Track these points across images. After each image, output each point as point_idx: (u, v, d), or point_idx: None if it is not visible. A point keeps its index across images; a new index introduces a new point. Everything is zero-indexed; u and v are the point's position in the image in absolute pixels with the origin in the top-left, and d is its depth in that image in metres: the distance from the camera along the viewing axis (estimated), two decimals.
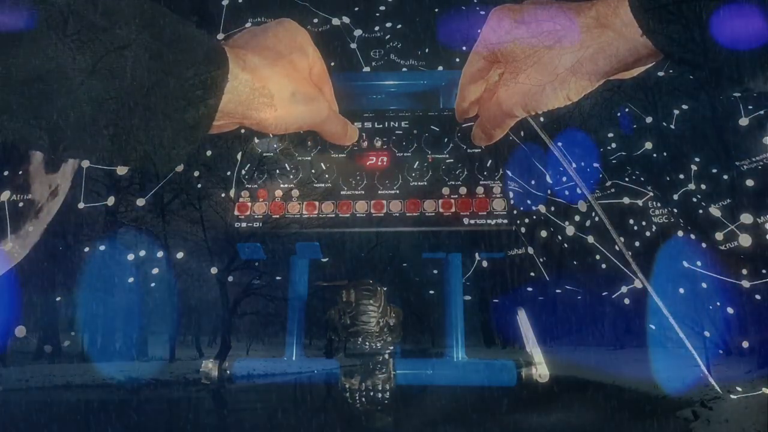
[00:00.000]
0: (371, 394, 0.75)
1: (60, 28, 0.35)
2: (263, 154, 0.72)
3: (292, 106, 0.51)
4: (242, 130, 0.75)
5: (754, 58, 0.40)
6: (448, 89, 0.87)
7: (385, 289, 0.79)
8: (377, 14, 1.23)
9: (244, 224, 0.69)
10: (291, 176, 0.70)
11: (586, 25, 0.46)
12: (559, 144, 0.61)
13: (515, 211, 0.68)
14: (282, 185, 0.70)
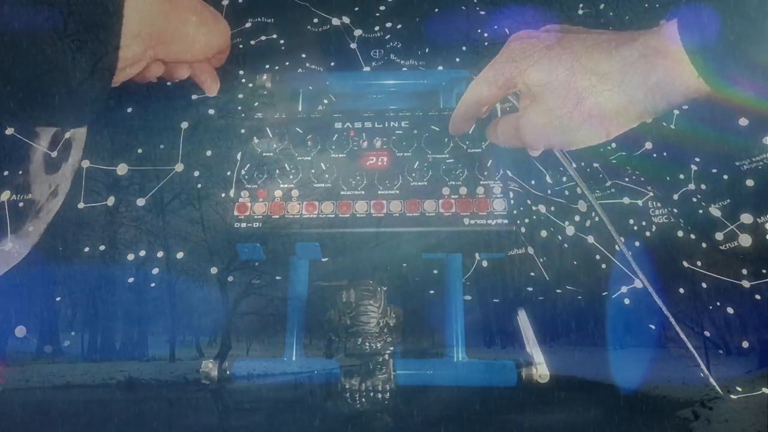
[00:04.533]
0: (371, 394, 0.75)
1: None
2: (263, 154, 0.72)
3: (208, 22, 0.51)
4: (242, 130, 0.75)
5: None
6: (448, 89, 0.87)
7: (385, 289, 0.79)
8: (377, 14, 1.23)
9: (243, 224, 0.69)
10: (291, 176, 0.70)
11: (630, 60, 0.41)
12: None
13: (515, 211, 0.68)
14: (282, 185, 0.70)
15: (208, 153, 0.88)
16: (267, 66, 1.00)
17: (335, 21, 1.14)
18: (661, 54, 0.40)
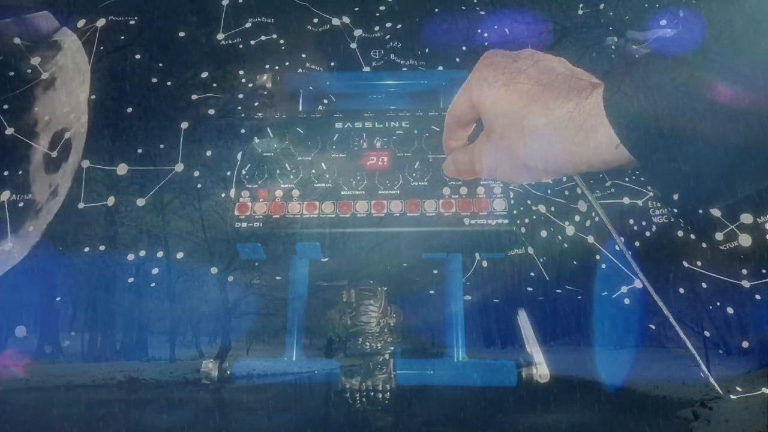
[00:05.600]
0: (371, 394, 0.75)
1: None
2: (263, 154, 0.72)
3: None
4: (242, 130, 0.75)
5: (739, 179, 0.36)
6: (448, 89, 0.87)
7: (385, 289, 0.79)
8: (377, 14, 1.23)
9: (244, 224, 0.69)
10: (291, 176, 0.70)
11: (560, 121, 0.42)
12: None
13: (515, 211, 0.68)
14: (282, 185, 0.70)
15: (208, 153, 0.88)
16: (267, 66, 1.00)
17: (335, 21, 1.14)
18: (584, 119, 0.40)
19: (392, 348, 0.78)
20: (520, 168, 0.46)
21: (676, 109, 0.36)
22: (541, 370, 0.75)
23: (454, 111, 0.54)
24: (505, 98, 0.45)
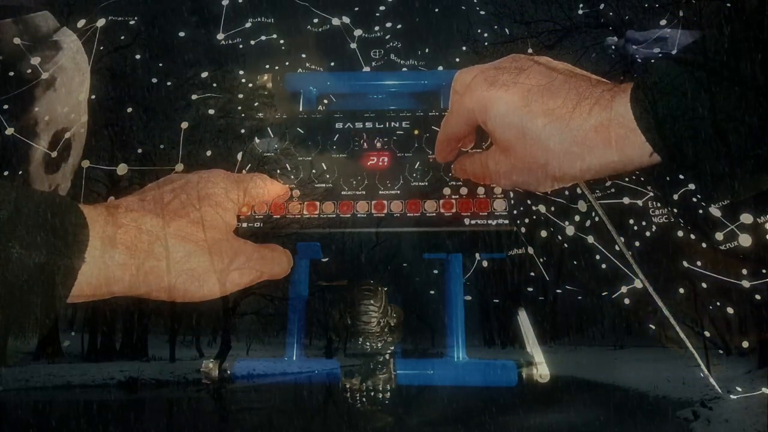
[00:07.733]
0: (372, 394, 0.75)
1: None
2: (263, 154, 0.72)
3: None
4: (242, 130, 0.75)
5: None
6: (448, 89, 0.87)
7: (385, 289, 0.79)
8: (377, 14, 1.23)
9: (244, 224, 0.69)
10: (291, 176, 0.70)
11: (583, 133, 0.39)
12: None
13: (515, 211, 0.68)
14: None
15: (208, 153, 0.88)
16: (267, 66, 1.00)
17: (335, 21, 1.14)
18: (613, 128, 0.39)
19: (393, 348, 0.78)
20: (544, 177, 0.44)
21: (710, 111, 0.35)
22: (541, 370, 0.75)
23: (449, 129, 0.52)
24: (519, 112, 0.43)
